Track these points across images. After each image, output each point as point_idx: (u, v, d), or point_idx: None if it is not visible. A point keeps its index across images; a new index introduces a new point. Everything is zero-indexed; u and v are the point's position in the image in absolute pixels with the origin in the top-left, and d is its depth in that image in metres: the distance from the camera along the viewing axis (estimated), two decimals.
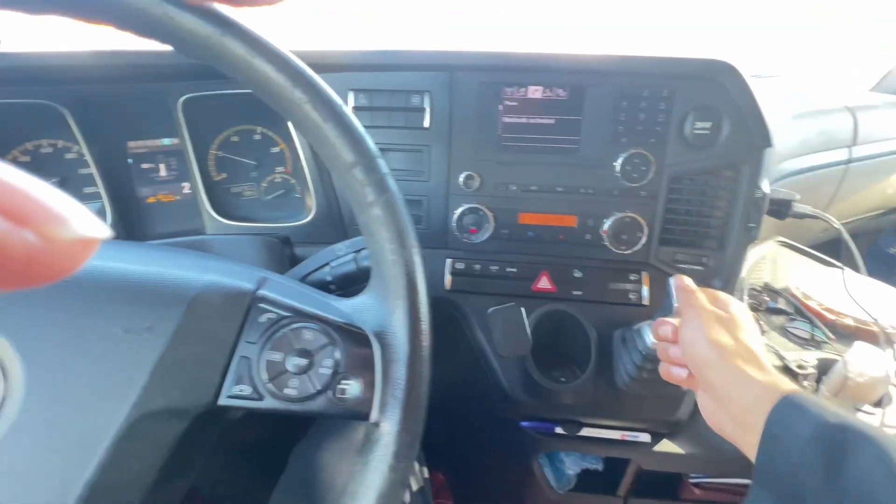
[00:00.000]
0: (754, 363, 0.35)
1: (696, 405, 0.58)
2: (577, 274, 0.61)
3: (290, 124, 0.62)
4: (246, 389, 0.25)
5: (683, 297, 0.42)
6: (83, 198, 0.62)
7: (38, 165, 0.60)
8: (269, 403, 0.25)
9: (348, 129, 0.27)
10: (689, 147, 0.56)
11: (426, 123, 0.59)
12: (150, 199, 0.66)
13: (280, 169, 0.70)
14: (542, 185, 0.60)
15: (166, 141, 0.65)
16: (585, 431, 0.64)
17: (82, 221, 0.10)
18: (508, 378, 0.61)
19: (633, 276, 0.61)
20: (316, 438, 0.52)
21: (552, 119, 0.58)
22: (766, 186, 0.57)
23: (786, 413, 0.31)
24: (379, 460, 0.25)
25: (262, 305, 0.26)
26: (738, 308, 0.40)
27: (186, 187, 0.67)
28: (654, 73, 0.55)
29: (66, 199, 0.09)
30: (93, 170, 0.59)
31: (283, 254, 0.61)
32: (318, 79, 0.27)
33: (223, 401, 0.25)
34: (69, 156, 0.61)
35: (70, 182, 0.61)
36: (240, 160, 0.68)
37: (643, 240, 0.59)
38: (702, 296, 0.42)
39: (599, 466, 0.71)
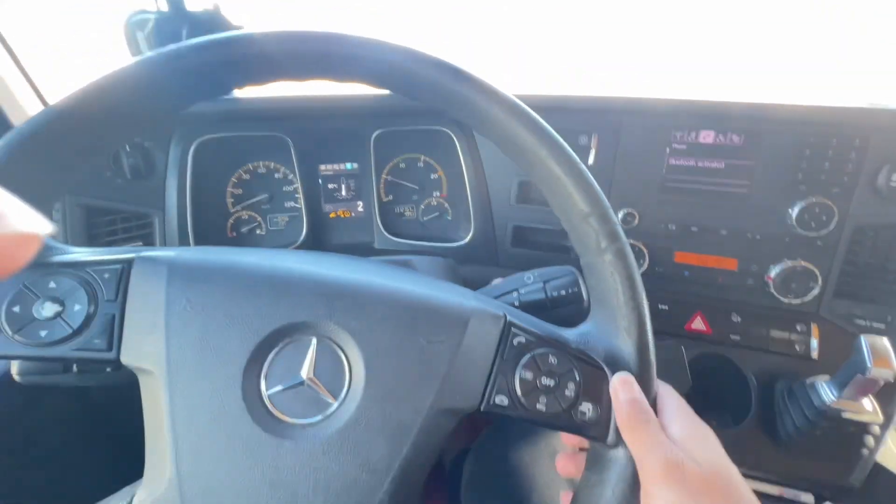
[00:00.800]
0: None
1: (872, 470, 0.54)
2: (736, 318, 0.61)
3: (461, 155, 0.69)
4: (504, 400, 0.30)
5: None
6: (286, 211, 0.74)
7: (254, 182, 0.73)
8: (522, 414, 0.30)
9: (586, 182, 0.31)
10: (882, 199, 0.54)
11: (590, 161, 0.63)
12: (332, 215, 0.76)
13: (437, 193, 0.78)
14: (703, 227, 0.61)
15: (349, 166, 0.76)
16: None
17: (20, 218, 0.09)
18: None
19: (800, 327, 0.59)
20: (494, 446, 0.57)
21: (722, 163, 0.59)
22: None
23: None
24: (618, 480, 0.29)
25: (513, 330, 0.31)
26: (717, 450, 0.28)
27: (360, 206, 0.77)
28: (845, 123, 0.54)
29: (3, 196, 0.09)
30: (298, 187, 0.71)
31: (459, 274, 0.68)
32: (559, 138, 0.31)
33: (485, 407, 0.30)
34: (277, 175, 0.74)
35: (276, 197, 0.74)
36: (405, 184, 0.77)
37: (815, 290, 0.57)
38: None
39: None
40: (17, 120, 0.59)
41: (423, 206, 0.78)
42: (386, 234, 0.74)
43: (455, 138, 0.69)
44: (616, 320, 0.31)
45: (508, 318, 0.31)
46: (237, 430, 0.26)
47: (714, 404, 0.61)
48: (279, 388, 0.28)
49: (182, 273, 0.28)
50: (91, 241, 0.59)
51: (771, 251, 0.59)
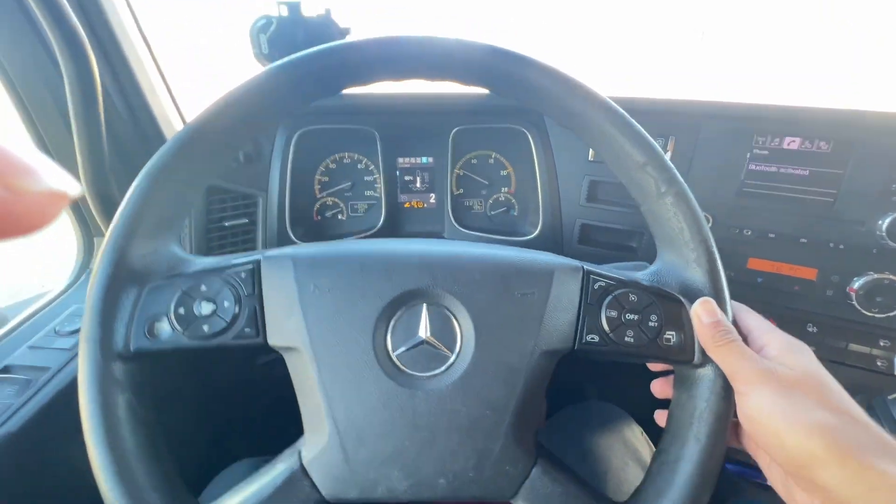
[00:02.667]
0: (888, 452, 0.24)
1: None
2: (811, 328, 0.60)
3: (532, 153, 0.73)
4: (595, 338, 0.33)
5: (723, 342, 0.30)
6: (365, 199, 0.81)
7: (339, 171, 0.80)
8: (612, 348, 0.33)
9: (639, 135, 0.34)
10: None
11: None
12: (406, 205, 0.82)
13: (505, 189, 0.82)
14: (781, 234, 0.60)
15: (424, 159, 0.81)
16: None
17: (52, 175, 0.09)
18: None
19: (883, 342, 0.57)
20: (568, 424, 0.60)
21: (806, 170, 0.58)
22: None
23: None
24: (710, 394, 0.32)
25: (592, 277, 0.34)
26: (811, 359, 0.29)
27: (433, 198, 0.82)
28: None
29: (35, 154, 0.09)
30: (379, 177, 0.77)
31: None
32: (610, 101, 0.34)
33: (578, 346, 0.33)
34: (360, 166, 0.80)
35: (357, 186, 0.80)
36: (476, 178, 0.81)
37: None
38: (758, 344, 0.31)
39: None
40: (165, 124, 0.69)
41: (490, 201, 0.82)
42: (456, 225, 0.78)
43: (530, 137, 0.72)
44: (684, 255, 0.34)
45: (586, 267, 0.35)
46: (376, 386, 0.31)
47: None
48: (403, 348, 0.32)
49: (305, 263, 0.33)
50: (207, 214, 0.68)
51: (855, 263, 0.57)
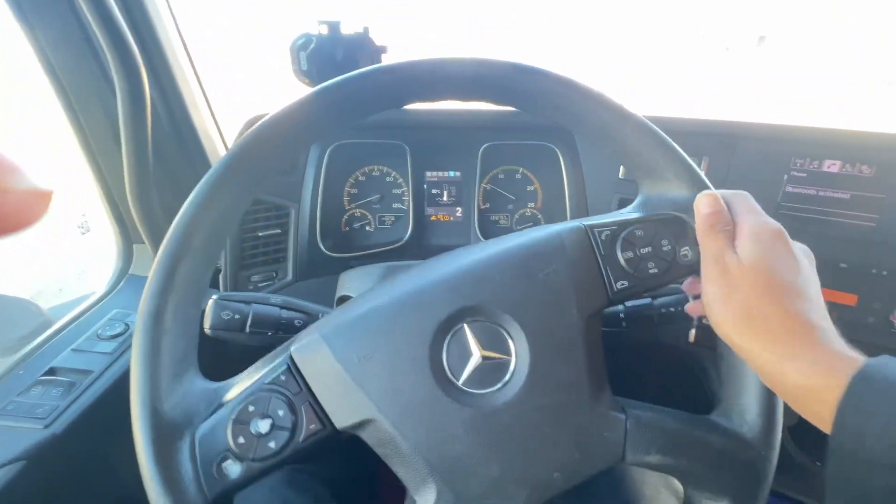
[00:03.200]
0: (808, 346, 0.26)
1: None
2: None
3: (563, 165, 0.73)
4: (625, 282, 0.34)
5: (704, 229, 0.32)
6: (393, 211, 0.82)
7: (368, 184, 0.81)
8: (641, 285, 0.34)
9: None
10: None
11: None
12: (433, 218, 0.83)
13: (531, 204, 0.82)
14: (819, 257, 0.59)
15: (452, 173, 0.82)
16: None
17: (35, 174, 0.09)
18: None
19: None
20: None
21: (847, 194, 0.57)
22: None
23: (864, 401, 0.23)
24: None
25: (595, 230, 0.35)
26: (766, 249, 0.30)
27: (459, 211, 0.83)
28: None
29: (18, 155, 0.09)
30: (407, 191, 0.78)
31: None
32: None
33: (613, 296, 0.34)
34: (388, 179, 0.81)
35: (386, 199, 0.81)
36: (503, 193, 0.81)
37: None
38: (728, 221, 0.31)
39: None
40: (205, 137, 0.72)
41: (517, 216, 0.82)
42: (482, 238, 0.79)
43: (559, 154, 0.72)
44: (665, 177, 0.35)
45: (585, 223, 0.35)
46: (458, 419, 0.31)
47: (819, 442, 0.58)
48: (465, 374, 0.32)
49: (337, 338, 0.33)
50: (241, 224, 0.70)
51: None
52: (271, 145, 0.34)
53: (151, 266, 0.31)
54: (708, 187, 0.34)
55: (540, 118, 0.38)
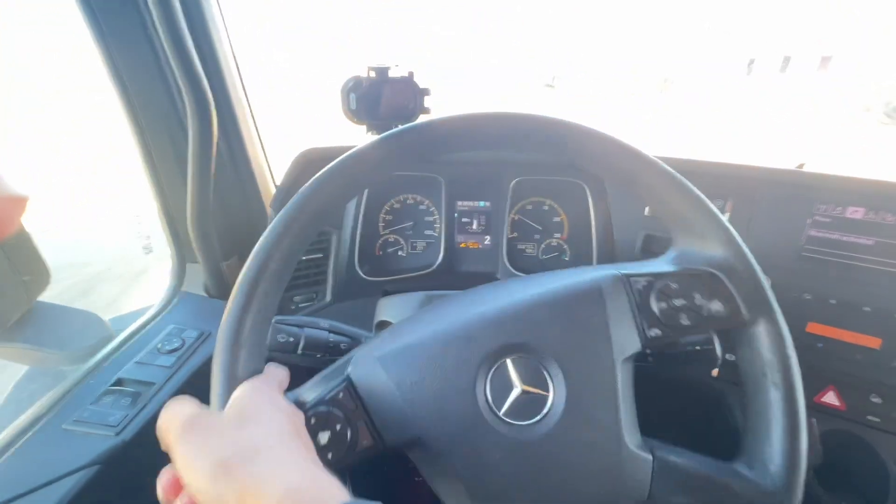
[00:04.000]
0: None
1: None
2: (876, 399, 0.59)
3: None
4: (657, 332, 0.36)
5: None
6: (424, 238, 0.86)
7: (402, 211, 0.86)
8: (673, 336, 0.36)
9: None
10: None
11: None
12: (462, 245, 0.87)
13: (558, 235, 0.85)
14: (843, 301, 0.61)
15: (482, 203, 0.86)
16: None
17: (11, 181, 0.09)
18: None
19: None
20: None
21: (871, 240, 0.59)
22: None
23: None
24: (770, 342, 0.35)
25: (631, 279, 0.37)
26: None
27: (487, 239, 0.87)
28: None
29: None
30: (439, 219, 0.83)
31: None
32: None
33: (645, 343, 0.36)
34: (421, 207, 0.86)
35: (418, 225, 0.86)
36: (530, 223, 0.85)
37: None
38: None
39: None
40: (258, 171, 0.78)
41: (543, 245, 0.86)
42: (509, 266, 0.82)
43: (587, 190, 0.76)
44: (699, 233, 0.37)
45: (623, 272, 0.38)
46: (500, 448, 0.34)
47: (845, 484, 0.59)
48: (507, 405, 0.35)
49: (392, 362, 0.36)
50: None
51: None
52: (342, 183, 0.37)
53: (233, 286, 0.34)
54: (741, 247, 0.37)
55: (587, 171, 0.42)
